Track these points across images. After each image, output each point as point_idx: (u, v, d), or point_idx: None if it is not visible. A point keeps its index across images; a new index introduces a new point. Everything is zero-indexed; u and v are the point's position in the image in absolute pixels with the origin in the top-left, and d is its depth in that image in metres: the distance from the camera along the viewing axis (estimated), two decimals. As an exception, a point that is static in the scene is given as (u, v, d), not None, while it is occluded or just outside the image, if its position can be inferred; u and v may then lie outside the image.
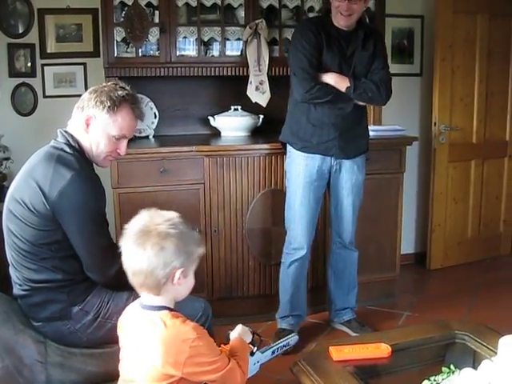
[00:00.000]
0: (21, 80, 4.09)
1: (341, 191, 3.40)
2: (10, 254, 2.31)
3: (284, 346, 2.15)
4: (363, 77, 3.24)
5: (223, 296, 3.73)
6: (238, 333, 2.04)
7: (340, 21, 3.18)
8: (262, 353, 2.04)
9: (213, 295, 3.68)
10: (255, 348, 2.03)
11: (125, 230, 1.81)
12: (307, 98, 3.18)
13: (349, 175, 3.37)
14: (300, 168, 3.30)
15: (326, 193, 3.47)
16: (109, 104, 2.26)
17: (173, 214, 1.83)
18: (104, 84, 2.37)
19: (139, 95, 3.87)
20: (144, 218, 1.80)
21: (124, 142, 2.39)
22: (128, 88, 2.37)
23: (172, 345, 1.72)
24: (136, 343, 1.81)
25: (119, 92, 2.30)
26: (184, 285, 1.82)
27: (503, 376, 1.65)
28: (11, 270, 2.34)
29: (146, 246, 1.72)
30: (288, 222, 3.43)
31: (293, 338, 2.20)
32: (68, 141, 2.29)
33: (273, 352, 2.10)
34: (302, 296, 3.58)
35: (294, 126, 3.32)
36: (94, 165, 2.39)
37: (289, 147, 3.38)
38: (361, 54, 3.24)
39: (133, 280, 1.80)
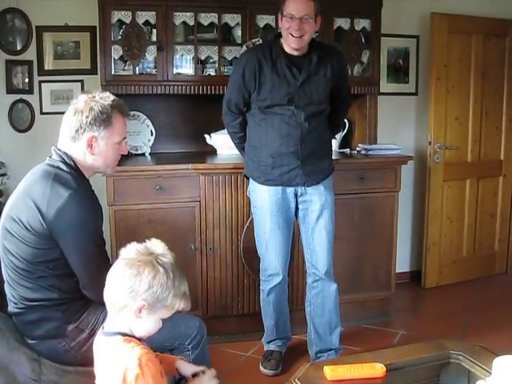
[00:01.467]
0: (18, 96, 4.11)
1: (310, 215, 3.23)
2: (5, 272, 2.30)
3: None
4: (320, 103, 3.15)
5: (218, 314, 3.72)
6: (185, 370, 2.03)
7: (291, 43, 3.02)
8: None
9: (208, 313, 3.67)
10: None
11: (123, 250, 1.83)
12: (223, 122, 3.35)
13: (317, 197, 3.21)
14: (265, 195, 3.19)
15: (294, 223, 3.34)
16: (103, 119, 2.25)
17: (173, 256, 1.83)
18: (78, 100, 2.30)
19: (136, 112, 3.96)
20: (149, 244, 1.82)
21: (124, 143, 2.40)
22: (103, 94, 2.34)
23: (116, 369, 1.71)
24: (97, 368, 1.85)
25: (103, 102, 2.28)
26: (145, 322, 1.79)
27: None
28: (6, 288, 2.34)
29: (132, 267, 1.74)
30: (260, 249, 3.31)
31: None
32: (63, 159, 2.28)
33: None
34: (286, 319, 3.52)
35: (254, 159, 3.22)
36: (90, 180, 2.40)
37: (251, 179, 3.29)
38: (316, 80, 3.11)
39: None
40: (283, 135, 3.10)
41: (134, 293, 1.72)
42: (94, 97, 2.30)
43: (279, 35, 3.13)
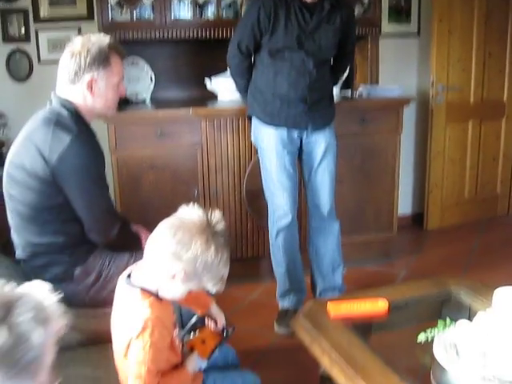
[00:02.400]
0: (15, 46, 4.06)
1: (314, 156, 3.24)
2: (11, 218, 2.33)
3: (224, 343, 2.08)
4: (328, 51, 3.15)
5: (222, 258, 3.76)
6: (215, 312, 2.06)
7: None
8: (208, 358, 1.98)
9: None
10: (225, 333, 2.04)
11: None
12: (228, 64, 3.29)
13: (321, 139, 3.22)
14: (270, 136, 3.17)
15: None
16: (101, 59, 2.24)
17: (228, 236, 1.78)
18: (73, 43, 2.29)
19: (135, 57, 3.91)
20: (212, 215, 1.76)
21: (122, 84, 2.39)
22: (99, 35, 2.33)
23: (126, 321, 1.73)
24: (114, 313, 1.85)
25: (100, 43, 2.26)
26: (175, 288, 1.76)
27: (498, 326, 1.68)
28: (13, 235, 2.36)
29: (186, 233, 1.69)
30: (268, 192, 3.28)
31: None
32: (64, 104, 2.28)
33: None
34: (299, 269, 3.38)
35: (260, 100, 3.20)
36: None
37: (256, 120, 3.26)
38: (326, 28, 3.09)
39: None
40: (291, 82, 3.10)
41: (177, 258, 1.68)
42: (89, 38, 2.28)
43: None
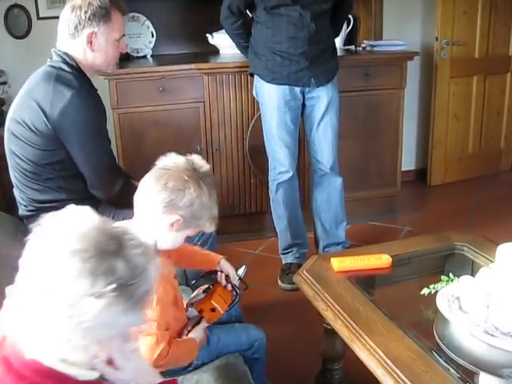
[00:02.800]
0: (13, 1, 3.99)
1: (316, 111, 3.22)
2: (13, 175, 2.33)
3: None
4: (324, 2, 3.07)
5: (226, 213, 3.74)
6: (227, 268, 2.06)
7: None
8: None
9: (216, 213, 3.72)
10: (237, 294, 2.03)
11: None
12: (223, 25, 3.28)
13: (324, 93, 3.19)
14: (272, 93, 3.15)
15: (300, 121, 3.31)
16: (102, 14, 2.22)
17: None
18: None
19: (135, 14, 3.85)
20: (192, 160, 1.75)
21: (123, 41, 2.37)
22: None
23: None
24: None
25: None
26: (173, 236, 1.75)
27: (501, 281, 1.69)
28: (16, 192, 2.37)
29: (178, 181, 1.68)
30: (269, 147, 3.28)
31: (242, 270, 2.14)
32: (65, 59, 2.26)
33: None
34: (300, 223, 3.42)
35: (261, 57, 3.16)
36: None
37: (258, 78, 3.23)
38: None
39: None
40: (290, 37, 3.05)
41: (173, 206, 1.68)
42: None
43: None
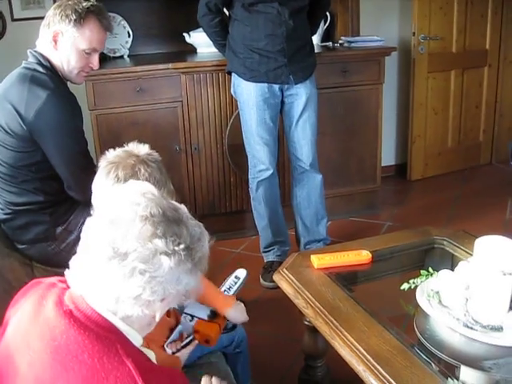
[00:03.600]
0: (-14, 2, 3.95)
1: (295, 108, 3.23)
2: (-11, 179, 2.30)
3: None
4: None
5: (206, 212, 3.75)
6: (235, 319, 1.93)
7: None
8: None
9: (196, 212, 3.67)
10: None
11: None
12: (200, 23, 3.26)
13: (303, 90, 3.19)
14: (250, 91, 3.14)
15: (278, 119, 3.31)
16: (74, 17, 2.20)
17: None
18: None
19: (111, 14, 3.81)
20: (131, 148, 1.75)
21: (95, 56, 2.32)
22: (93, 0, 2.30)
23: None
24: None
25: (84, 4, 2.23)
26: None
27: (479, 275, 1.69)
28: (-8, 195, 2.34)
29: (126, 169, 1.67)
30: (248, 146, 3.27)
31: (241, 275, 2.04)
32: (39, 60, 2.24)
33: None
34: (281, 221, 3.43)
35: (238, 55, 3.15)
36: (68, 84, 2.36)
37: (235, 76, 3.22)
38: None
39: None
40: (268, 34, 3.05)
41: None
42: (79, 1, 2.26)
43: None
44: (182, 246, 1.13)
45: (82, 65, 2.29)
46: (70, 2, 2.23)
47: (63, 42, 2.23)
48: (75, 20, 2.20)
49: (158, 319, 1.21)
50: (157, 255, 1.10)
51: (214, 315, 1.85)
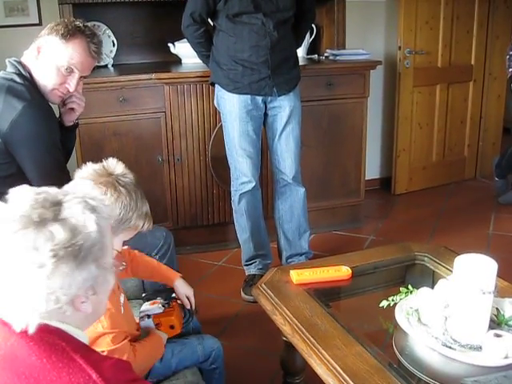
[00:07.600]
0: (-32, 8, 3.90)
1: (279, 121, 3.20)
2: (-36, 190, 2.25)
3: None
4: (287, 11, 3.06)
5: (188, 225, 3.72)
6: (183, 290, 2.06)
7: None
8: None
9: (178, 224, 3.68)
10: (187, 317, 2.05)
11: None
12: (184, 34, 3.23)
13: (286, 102, 3.18)
14: (234, 103, 3.12)
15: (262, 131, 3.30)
16: (62, 31, 2.16)
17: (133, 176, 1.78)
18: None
19: (95, 22, 3.78)
20: (107, 164, 1.75)
21: (74, 77, 2.24)
22: (89, 24, 2.29)
23: None
24: None
25: (76, 23, 2.21)
26: (115, 241, 1.69)
27: (458, 293, 1.68)
28: (-33, 207, 2.29)
29: None
30: (231, 158, 3.24)
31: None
32: (19, 70, 2.19)
33: None
34: (263, 234, 3.40)
35: (222, 66, 3.13)
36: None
37: (219, 87, 3.20)
38: None
39: None
40: (253, 45, 3.03)
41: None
42: (78, 19, 2.26)
43: None
44: (51, 254, 1.06)
45: (56, 82, 2.21)
46: (65, 20, 2.24)
47: (45, 53, 2.18)
48: (62, 34, 2.16)
49: (91, 311, 1.16)
50: (30, 271, 1.06)
51: (168, 305, 1.97)
